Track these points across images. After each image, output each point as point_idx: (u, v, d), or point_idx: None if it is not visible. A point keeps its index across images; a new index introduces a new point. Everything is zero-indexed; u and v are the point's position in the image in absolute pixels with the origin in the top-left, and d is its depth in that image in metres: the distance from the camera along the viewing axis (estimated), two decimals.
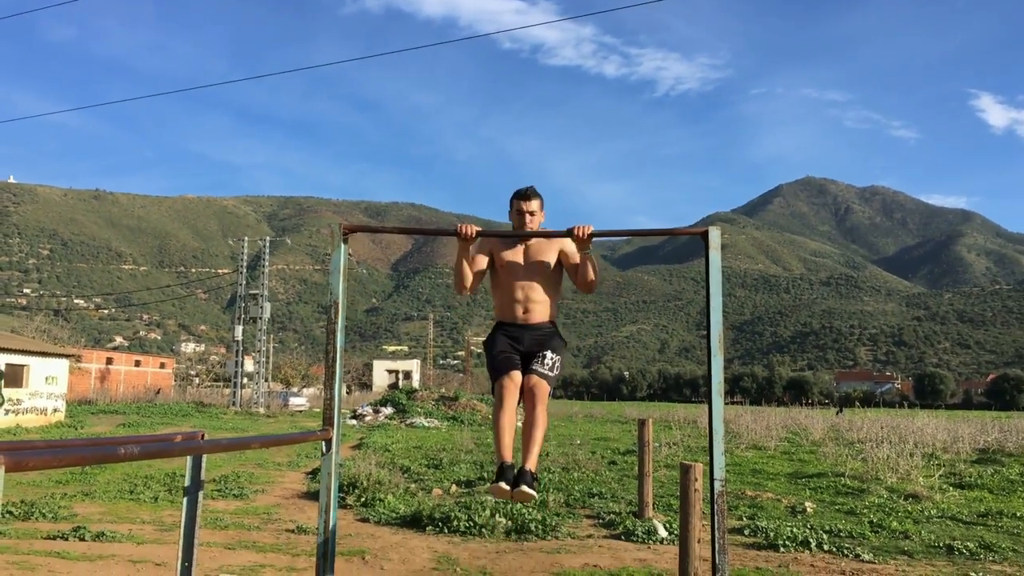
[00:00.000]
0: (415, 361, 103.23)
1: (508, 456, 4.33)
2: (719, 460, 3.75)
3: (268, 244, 47.23)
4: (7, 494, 10.46)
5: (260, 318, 44.16)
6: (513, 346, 4.54)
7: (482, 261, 4.60)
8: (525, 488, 4.16)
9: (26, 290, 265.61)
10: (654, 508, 9.95)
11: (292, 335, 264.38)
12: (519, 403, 4.48)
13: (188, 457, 3.12)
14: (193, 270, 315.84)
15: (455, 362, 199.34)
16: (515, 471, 4.29)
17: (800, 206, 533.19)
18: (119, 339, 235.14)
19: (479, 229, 4.44)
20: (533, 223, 4.55)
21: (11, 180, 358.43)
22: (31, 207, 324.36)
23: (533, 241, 4.57)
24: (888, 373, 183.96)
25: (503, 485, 4.17)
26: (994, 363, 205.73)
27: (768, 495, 11.59)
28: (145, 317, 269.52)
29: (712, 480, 3.75)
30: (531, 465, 4.31)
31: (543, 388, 4.41)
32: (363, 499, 10.46)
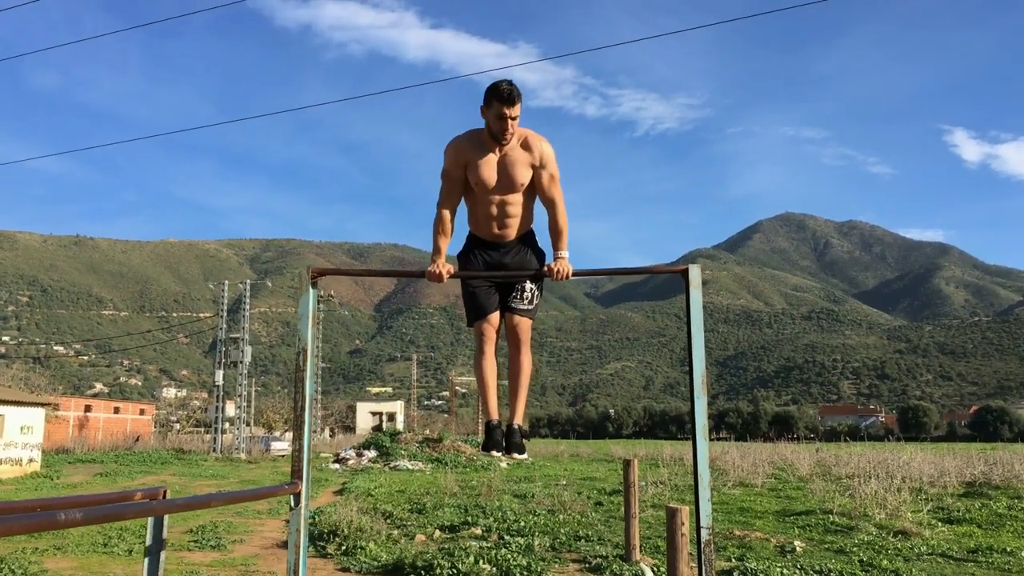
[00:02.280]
0: (399, 403, 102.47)
1: (494, 414, 4.35)
2: (705, 507, 3.59)
3: (249, 287, 46.95)
4: None
5: (241, 362, 43.68)
6: (490, 278, 4.34)
7: (459, 178, 4.29)
8: (516, 455, 4.23)
9: (4, 338, 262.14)
10: (641, 550, 9.76)
11: (275, 378, 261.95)
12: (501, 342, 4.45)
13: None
14: (175, 314, 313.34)
15: (439, 403, 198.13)
16: (503, 430, 4.32)
17: (780, 241, 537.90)
18: (99, 386, 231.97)
19: (452, 270, 4.24)
20: (514, 128, 4.21)
21: None
22: (10, 253, 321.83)
23: (508, 149, 4.23)
24: (872, 406, 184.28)
25: (495, 452, 4.24)
26: (976, 395, 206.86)
27: (757, 534, 11.43)
28: (126, 363, 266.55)
29: (699, 528, 3.59)
30: (519, 419, 4.34)
31: (524, 327, 4.36)
32: (344, 547, 10.21)
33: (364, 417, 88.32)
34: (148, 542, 3.16)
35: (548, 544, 10.57)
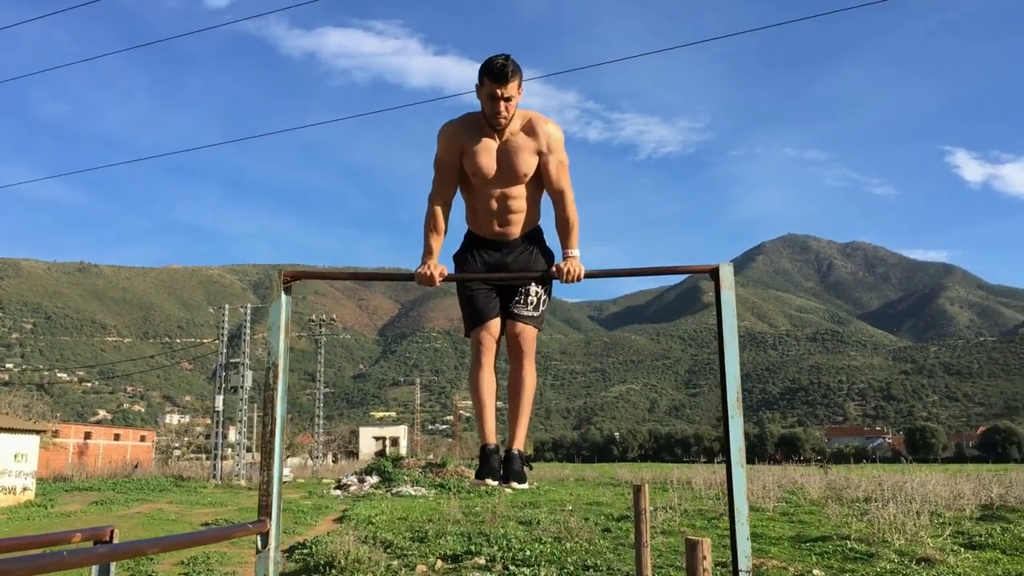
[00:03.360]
0: (403, 427, 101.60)
1: (491, 438, 3.76)
2: (743, 546, 2.98)
3: (250, 311, 46.60)
4: None
5: (241, 387, 43.21)
6: (489, 281, 3.79)
7: (453, 168, 3.75)
8: (516, 484, 3.62)
9: (8, 365, 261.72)
10: None
11: None
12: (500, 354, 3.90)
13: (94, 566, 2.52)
14: (178, 340, 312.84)
15: (443, 427, 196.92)
16: (501, 456, 3.73)
17: (783, 263, 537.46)
18: (103, 412, 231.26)
19: (445, 272, 3.67)
20: (509, 111, 3.61)
21: None
22: (15, 281, 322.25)
23: (509, 135, 3.68)
24: (879, 428, 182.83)
25: (490, 481, 3.61)
26: (983, 415, 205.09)
27: (773, 562, 10.93)
28: (129, 389, 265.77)
29: (736, 570, 3.02)
30: (519, 443, 3.77)
31: (529, 335, 3.78)
32: None
33: (367, 442, 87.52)
34: None
35: (555, 575, 10.09)
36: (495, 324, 3.81)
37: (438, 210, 3.72)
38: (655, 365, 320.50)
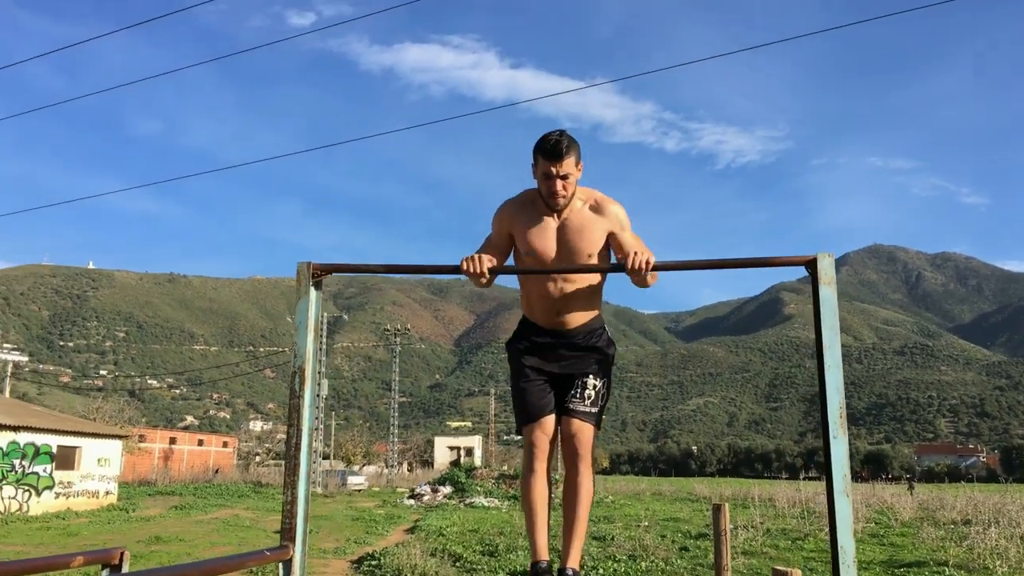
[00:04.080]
0: (477, 437, 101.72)
1: (544, 553, 3.35)
2: None
3: (326, 321, 47.23)
4: None
5: (318, 395, 43.73)
6: (543, 370, 3.38)
7: (501, 246, 3.39)
8: None
9: (102, 371, 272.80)
10: None
11: (357, 412, 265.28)
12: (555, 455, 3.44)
13: None
14: (261, 349, 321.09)
15: (518, 438, 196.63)
16: (554, 575, 3.30)
17: (868, 274, 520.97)
18: (190, 418, 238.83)
19: (493, 262, 3.19)
20: (567, 189, 3.24)
21: (90, 266, 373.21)
22: (108, 291, 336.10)
23: (569, 214, 3.30)
24: (972, 445, 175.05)
25: None
26: None
27: None
28: (215, 396, 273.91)
29: None
30: (574, 561, 3.34)
31: (585, 435, 3.32)
32: None
33: (442, 452, 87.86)
34: None
35: None
36: (549, 422, 3.39)
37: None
38: (734, 378, 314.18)
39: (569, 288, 3.32)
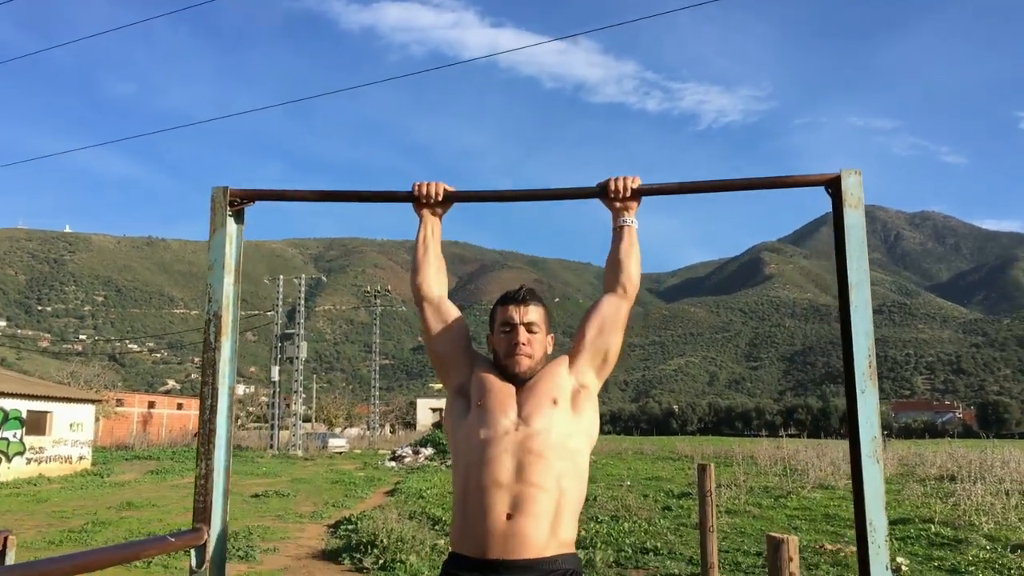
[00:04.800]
0: None
1: None
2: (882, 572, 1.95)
3: (304, 283, 46.62)
4: None
5: (297, 358, 43.24)
6: None
7: (456, 341, 2.69)
8: None
9: (82, 336, 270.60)
10: (720, 569, 8.46)
11: (340, 375, 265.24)
12: None
13: None
14: (242, 312, 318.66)
15: None
16: None
17: None
18: (171, 382, 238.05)
19: (448, 188, 2.60)
20: (533, 346, 2.45)
21: (67, 229, 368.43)
22: (86, 255, 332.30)
23: (535, 379, 2.43)
24: (948, 402, 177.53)
25: None
26: None
27: (851, 549, 10.01)
28: (196, 360, 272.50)
29: None
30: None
31: None
32: (382, 561, 9.15)
33: (424, 413, 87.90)
34: None
35: (612, 558, 9.35)
36: None
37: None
38: (715, 338, 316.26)
39: (531, 479, 2.20)
